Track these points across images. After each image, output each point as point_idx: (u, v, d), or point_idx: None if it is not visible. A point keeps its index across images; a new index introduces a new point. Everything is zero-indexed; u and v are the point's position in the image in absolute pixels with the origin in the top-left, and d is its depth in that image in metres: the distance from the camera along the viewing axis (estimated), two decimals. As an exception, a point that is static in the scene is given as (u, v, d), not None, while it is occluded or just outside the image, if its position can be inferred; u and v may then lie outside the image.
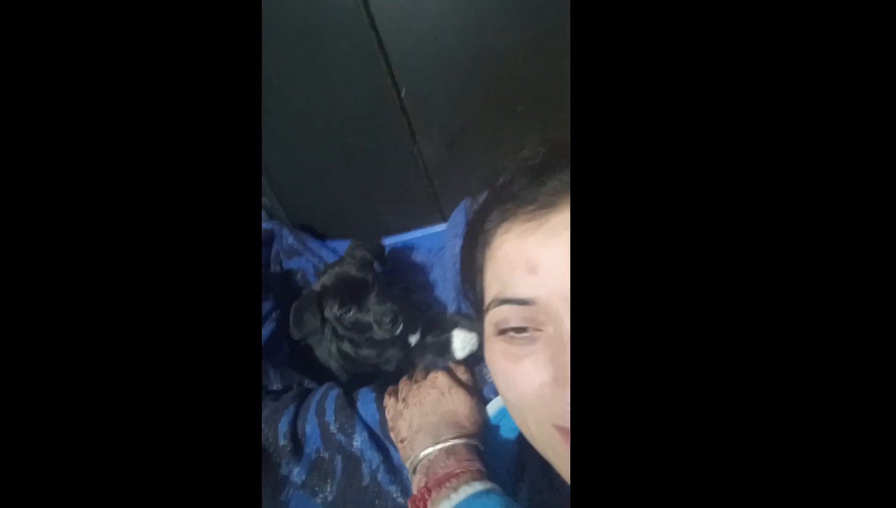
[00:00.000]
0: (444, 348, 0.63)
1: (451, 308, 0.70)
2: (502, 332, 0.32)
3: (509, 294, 0.31)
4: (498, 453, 0.42)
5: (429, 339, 0.67)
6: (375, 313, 0.61)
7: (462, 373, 0.48)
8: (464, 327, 0.64)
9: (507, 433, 0.43)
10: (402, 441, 0.44)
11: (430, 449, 0.40)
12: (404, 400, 0.47)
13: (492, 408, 0.45)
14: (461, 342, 0.61)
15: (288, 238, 0.79)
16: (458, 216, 0.66)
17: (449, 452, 0.39)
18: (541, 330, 0.31)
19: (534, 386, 0.30)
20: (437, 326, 0.69)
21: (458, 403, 0.44)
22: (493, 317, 0.33)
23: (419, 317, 0.70)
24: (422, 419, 0.43)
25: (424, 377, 0.48)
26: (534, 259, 0.30)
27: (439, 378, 0.46)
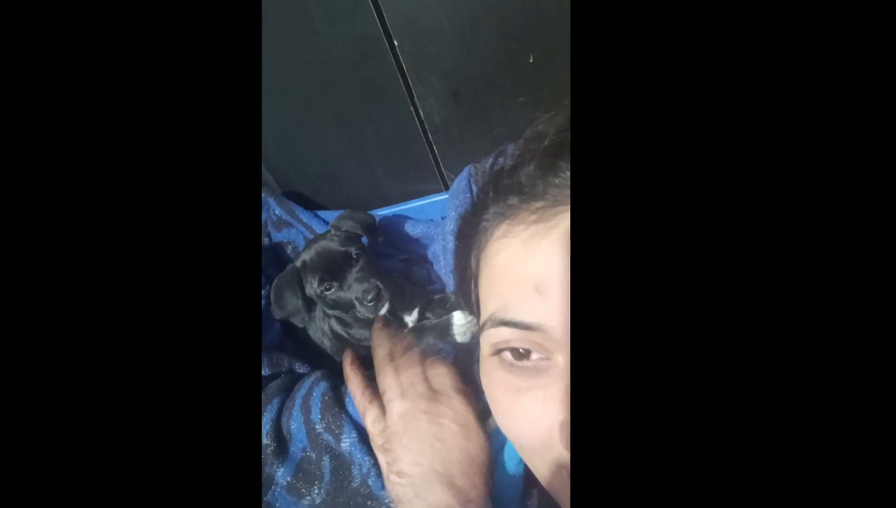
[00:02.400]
0: (444, 331, 0.58)
1: (452, 287, 0.64)
2: (500, 355, 0.26)
3: (509, 316, 0.25)
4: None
5: (427, 320, 0.62)
6: (356, 289, 0.56)
7: (461, 405, 0.37)
8: (465, 308, 0.59)
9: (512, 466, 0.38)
10: (394, 474, 0.36)
11: None
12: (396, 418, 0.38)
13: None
14: (462, 326, 0.57)
15: (275, 209, 0.72)
16: (461, 185, 0.59)
17: None
18: (548, 359, 0.25)
19: (540, 426, 0.25)
20: (437, 305, 0.64)
21: (460, 457, 0.35)
22: (489, 338, 0.27)
23: (417, 295, 0.64)
24: (413, 468, 0.35)
25: (418, 379, 0.39)
26: (540, 274, 0.24)
27: (444, 408, 0.37)
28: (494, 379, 0.27)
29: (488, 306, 0.27)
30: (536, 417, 0.24)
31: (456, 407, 0.37)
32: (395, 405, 0.38)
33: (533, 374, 0.25)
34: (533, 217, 0.25)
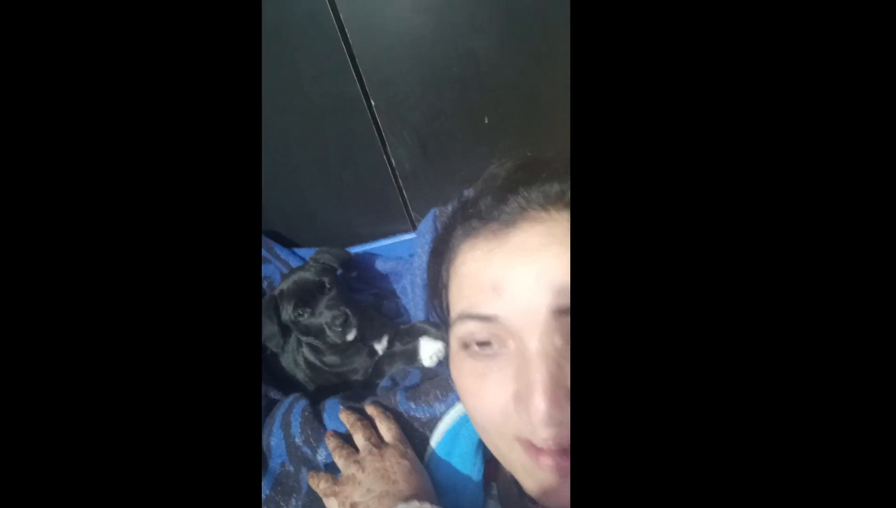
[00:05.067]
0: (412, 356, 0.63)
1: (420, 317, 0.70)
2: (467, 347, 0.33)
3: (474, 311, 0.31)
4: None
5: (397, 347, 0.67)
6: (326, 316, 0.61)
7: (401, 447, 0.45)
8: (432, 335, 0.64)
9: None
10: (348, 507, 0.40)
11: None
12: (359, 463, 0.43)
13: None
14: (429, 351, 0.62)
15: (254, 244, 0.77)
16: (427, 225, 0.66)
17: None
18: (504, 346, 0.31)
19: (498, 403, 0.30)
20: (405, 334, 0.69)
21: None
22: (458, 332, 0.33)
23: (387, 325, 0.70)
24: (364, 496, 0.40)
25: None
26: (497, 278, 0.31)
27: (389, 451, 0.44)
28: (462, 369, 0.33)
29: (457, 307, 0.33)
30: (495, 394, 0.30)
31: (398, 446, 0.44)
32: (351, 457, 0.45)
33: (492, 359, 0.31)
34: (490, 235, 0.32)
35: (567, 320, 0.28)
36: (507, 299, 0.30)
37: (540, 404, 0.27)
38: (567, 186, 0.32)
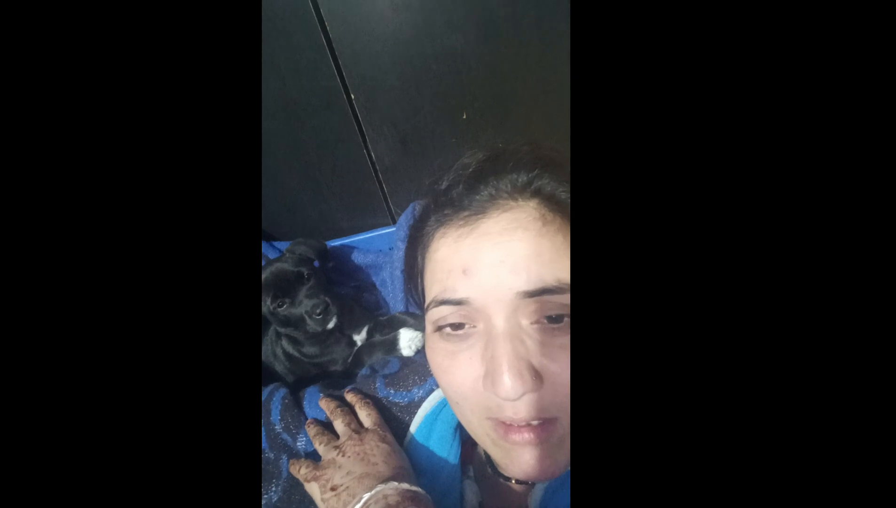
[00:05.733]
0: (392, 346, 0.64)
1: (399, 308, 0.71)
2: (440, 329, 0.34)
3: (446, 295, 0.33)
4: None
5: (376, 338, 0.68)
6: (306, 305, 0.62)
7: (381, 430, 0.45)
8: (410, 326, 0.66)
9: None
10: (329, 490, 0.40)
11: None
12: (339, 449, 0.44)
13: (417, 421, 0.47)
14: (407, 341, 0.63)
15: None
16: (406, 219, 0.68)
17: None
18: (474, 327, 0.33)
19: (469, 380, 0.32)
20: (385, 325, 0.71)
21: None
22: (432, 316, 0.35)
23: (366, 316, 0.71)
24: (345, 479, 0.41)
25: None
26: (467, 262, 0.32)
27: (369, 434, 0.44)
28: (436, 349, 0.35)
29: (431, 291, 0.35)
30: (466, 371, 0.32)
31: (377, 431, 0.45)
32: (331, 443, 0.45)
33: (463, 339, 0.33)
34: (461, 222, 0.34)
35: (531, 300, 0.30)
36: (475, 281, 0.32)
37: (506, 380, 0.28)
38: (533, 176, 0.33)
